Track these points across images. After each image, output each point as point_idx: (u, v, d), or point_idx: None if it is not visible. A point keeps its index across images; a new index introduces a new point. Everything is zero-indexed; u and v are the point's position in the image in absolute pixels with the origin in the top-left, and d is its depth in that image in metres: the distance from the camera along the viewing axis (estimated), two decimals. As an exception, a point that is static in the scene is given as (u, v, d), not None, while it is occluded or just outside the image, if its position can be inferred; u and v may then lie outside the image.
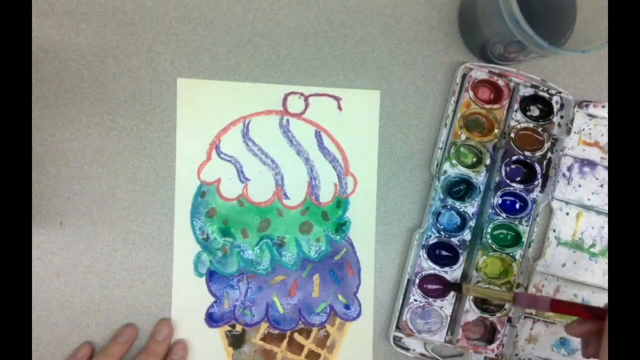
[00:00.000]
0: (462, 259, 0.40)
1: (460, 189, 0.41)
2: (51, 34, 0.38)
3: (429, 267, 0.40)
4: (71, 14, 0.38)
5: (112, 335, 0.39)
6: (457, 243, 0.40)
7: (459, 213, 0.41)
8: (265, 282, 0.40)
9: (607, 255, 0.41)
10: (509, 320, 0.41)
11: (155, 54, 0.39)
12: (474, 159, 0.41)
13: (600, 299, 0.42)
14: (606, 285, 0.41)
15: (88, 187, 0.39)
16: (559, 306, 0.32)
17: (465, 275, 0.41)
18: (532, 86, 0.40)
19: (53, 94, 0.38)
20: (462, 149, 0.41)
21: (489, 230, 0.40)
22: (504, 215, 0.40)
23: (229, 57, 0.39)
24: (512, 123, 0.40)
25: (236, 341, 0.40)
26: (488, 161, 0.40)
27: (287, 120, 0.40)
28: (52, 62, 0.38)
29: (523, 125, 0.40)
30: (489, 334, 0.41)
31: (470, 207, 0.40)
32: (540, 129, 0.41)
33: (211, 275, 0.40)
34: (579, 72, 0.42)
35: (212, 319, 0.40)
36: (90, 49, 0.38)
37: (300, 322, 0.40)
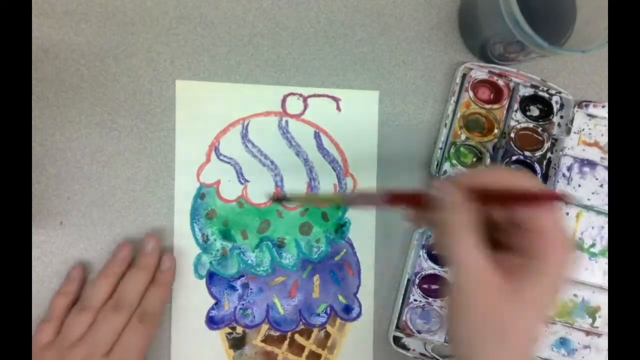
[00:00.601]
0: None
1: (460, 189, 0.41)
2: (51, 34, 0.38)
3: (429, 267, 0.40)
4: (71, 14, 0.38)
5: (110, 255, 0.38)
6: (457, 243, 0.40)
7: (459, 213, 0.41)
8: (266, 284, 0.40)
9: (607, 255, 0.41)
10: (510, 320, 0.41)
11: (155, 54, 0.39)
12: (474, 159, 0.41)
13: (600, 299, 0.42)
14: (606, 285, 0.41)
15: (88, 187, 0.39)
16: (394, 199, 0.29)
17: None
18: (532, 86, 0.40)
19: (53, 94, 0.38)
20: (462, 149, 0.41)
21: (489, 230, 0.40)
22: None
23: (229, 57, 0.39)
24: (512, 123, 0.40)
25: (237, 343, 0.40)
26: (488, 161, 0.40)
27: (286, 122, 0.40)
28: (52, 62, 0.38)
29: (523, 125, 0.40)
30: (489, 334, 0.41)
31: (470, 207, 0.40)
32: (540, 129, 0.41)
33: (211, 277, 0.39)
34: (579, 72, 0.42)
35: (212, 321, 0.39)
36: (90, 49, 0.38)
37: (301, 323, 0.40)
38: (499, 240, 0.27)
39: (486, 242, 0.26)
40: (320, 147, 0.40)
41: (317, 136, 0.40)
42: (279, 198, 0.38)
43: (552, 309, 0.26)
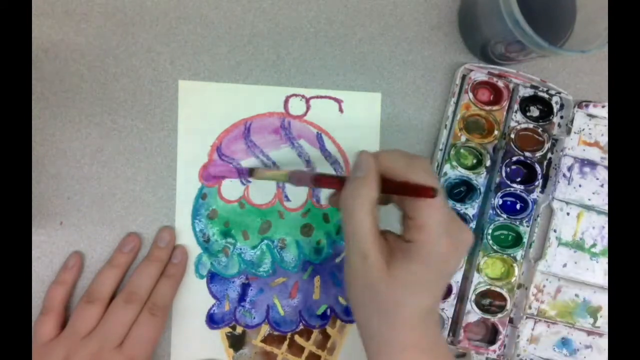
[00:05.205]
0: (462, 260, 0.40)
1: (460, 190, 0.41)
2: (51, 34, 0.38)
3: (430, 267, 0.40)
4: (71, 14, 0.38)
5: (117, 245, 0.38)
6: (458, 244, 0.40)
7: (459, 215, 0.41)
8: (266, 284, 0.40)
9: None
10: (511, 321, 0.41)
11: (155, 54, 0.39)
12: (474, 161, 0.41)
13: (601, 299, 0.42)
14: (607, 285, 0.41)
15: (88, 187, 0.39)
16: (321, 180, 0.33)
17: (465, 277, 0.41)
18: (532, 87, 0.40)
19: (53, 94, 0.38)
20: (462, 150, 0.41)
21: (490, 231, 0.40)
22: (504, 216, 0.40)
23: (229, 58, 0.39)
24: (512, 124, 0.41)
25: (237, 342, 0.40)
26: (488, 162, 0.40)
27: (289, 122, 0.40)
28: (52, 62, 0.38)
29: (523, 125, 0.40)
30: (491, 335, 0.41)
31: (470, 209, 0.40)
32: (540, 130, 0.41)
33: (212, 277, 0.39)
34: (579, 72, 0.42)
35: (212, 321, 0.39)
36: (90, 49, 0.38)
37: (301, 324, 0.40)
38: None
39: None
40: (322, 148, 0.40)
41: (319, 137, 0.40)
42: (247, 172, 0.39)
43: (430, 292, 0.29)
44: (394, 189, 0.29)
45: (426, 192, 0.27)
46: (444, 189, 0.40)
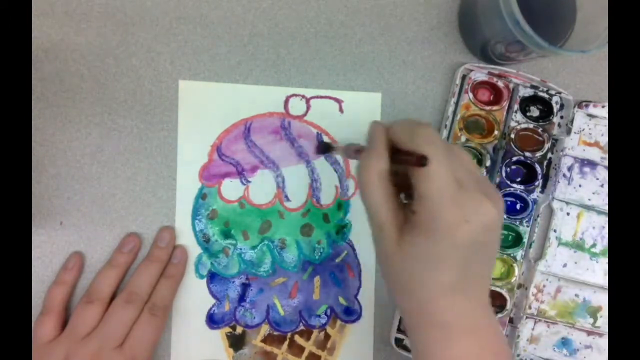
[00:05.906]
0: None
1: (460, 189, 0.41)
2: (51, 34, 0.38)
3: (430, 267, 0.40)
4: (71, 14, 0.38)
5: (117, 246, 0.38)
6: (458, 243, 0.40)
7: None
8: (266, 284, 0.40)
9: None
10: (511, 320, 0.41)
11: (155, 54, 0.39)
12: (474, 161, 0.41)
13: (601, 299, 0.42)
14: (607, 285, 0.41)
15: (88, 187, 0.39)
16: (359, 152, 0.32)
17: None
18: (532, 87, 0.40)
19: (53, 94, 0.38)
20: (462, 150, 0.41)
21: (490, 230, 0.40)
22: (504, 216, 0.40)
23: (229, 57, 0.39)
24: (512, 124, 0.41)
25: (237, 342, 0.40)
26: (488, 162, 0.40)
27: (289, 122, 0.40)
28: (52, 62, 0.38)
29: (523, 125, 0.40)
30: (490, 335, 0.41)
31: (470, 208, 0.40)
32: (540, 130, 0.41)
33: (212, 277, 0.39)
34: (579, 72, 0.42)
35: (212, 320, 0.39)
36: (90, 49, 0.38)
37: (301, 324, 0.40)
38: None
39: (396, 191, 0.29)
40: (322, 148, 0.40)
41: (319, 137, 0.40)
42: (325, 147, 0.38)
43: (444, 267, 0.27)
44: (399, 159, 0.28)
45: (417, 160, 0.26)
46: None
